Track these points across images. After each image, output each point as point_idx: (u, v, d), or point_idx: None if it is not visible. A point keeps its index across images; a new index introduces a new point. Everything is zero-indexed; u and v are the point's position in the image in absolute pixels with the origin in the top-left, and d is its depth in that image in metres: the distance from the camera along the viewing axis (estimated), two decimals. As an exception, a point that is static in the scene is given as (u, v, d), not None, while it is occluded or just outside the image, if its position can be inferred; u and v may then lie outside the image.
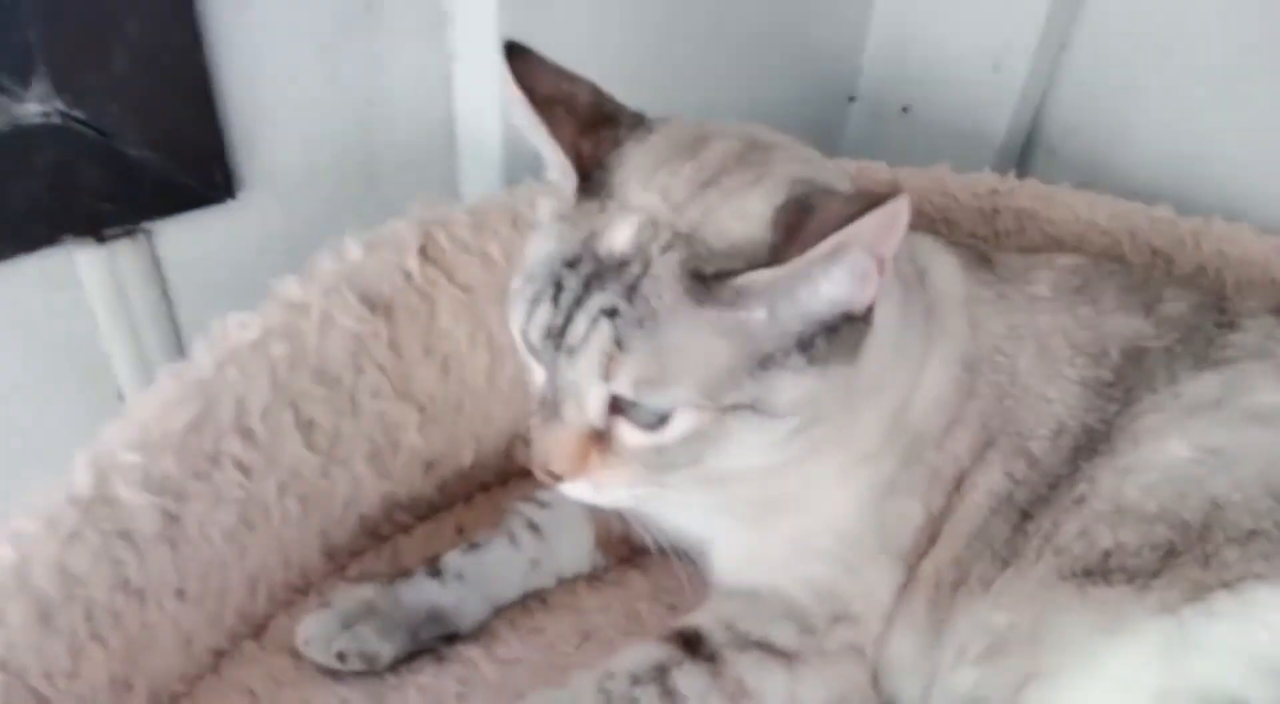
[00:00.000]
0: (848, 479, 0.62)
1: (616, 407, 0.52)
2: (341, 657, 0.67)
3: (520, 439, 0.84)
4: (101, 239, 0.71)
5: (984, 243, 0.88)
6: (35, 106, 0.64)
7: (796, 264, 0.47)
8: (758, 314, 0.50)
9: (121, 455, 0.58)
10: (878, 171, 0.87)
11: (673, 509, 0.66)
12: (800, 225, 0.48)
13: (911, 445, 0.63)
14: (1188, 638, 0.53)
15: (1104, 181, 0.98)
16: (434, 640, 0.69)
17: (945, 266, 0.64)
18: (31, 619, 0.54)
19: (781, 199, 0.51)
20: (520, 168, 0.84)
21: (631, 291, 0.50)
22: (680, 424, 0.52)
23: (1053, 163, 1.03)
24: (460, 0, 0.79)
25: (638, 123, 0.56)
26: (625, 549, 0.78)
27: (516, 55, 0.55)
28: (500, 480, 0.85)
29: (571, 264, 0.52)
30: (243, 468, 0.63)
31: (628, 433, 0.53)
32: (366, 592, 0.70)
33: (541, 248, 0.54)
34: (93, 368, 0.77)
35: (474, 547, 0.74)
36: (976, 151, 1.03)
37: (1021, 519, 0.62)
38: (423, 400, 0.74)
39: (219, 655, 0.69)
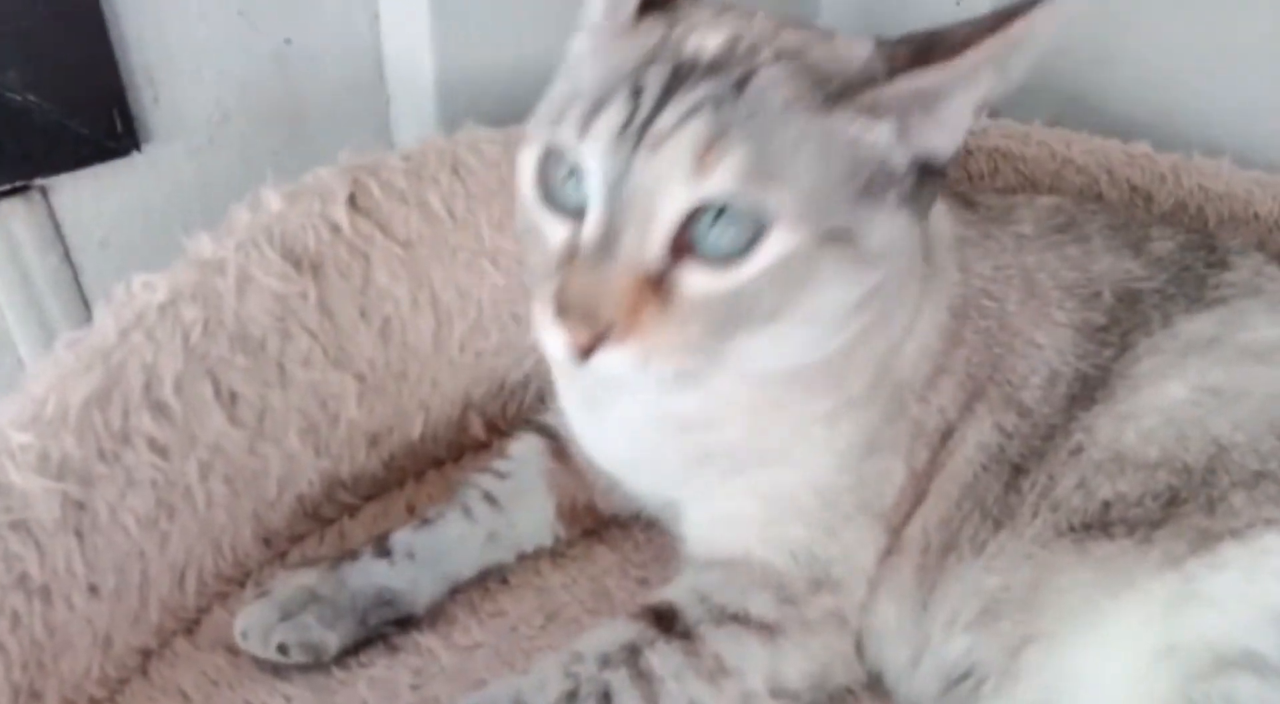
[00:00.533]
0: (834, 427, 0.58)
1: (681, 247, 0.45)
2: (283, 649, 0.61)
3: (474, 408, 0.78)
4: (-11, 198, 0.64)
5: (958, 185, 0.84)
6: (-103, 45, 0.56)
7: (965, 58, 0.44)
8: (881, 132, 0.46)
9: (13, 436, 0.51)
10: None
11: (649, 465, 0.62)
12: (933, 46, 0.45)
13: (895, 395, 0.59)
14: (1195, 592, 0.50)
15: (1079, 117, 0.95)
16: (385, 627, 0.64)
17: (935, 209, 0.59)
18: (-87, 627, 0.47)
19: (867, 47, 0.47)
20: (457, 111, 0.78)
21: (740, 86, 0.45)
22: (773, 247, 0.44)
23: (1023, 96, 0.99)
24: (385, -74, 0.72)
25: None
26: (590, 520, 0.73)
27: None
28: (454, 455, 0.80)
29: (648, 64, 0.46)
30: (157, 447, 0.57)
31: (695, 278, 0.45)
32: (308, 577, 0.64)
33: (603, 62, 0.48)
34: (-10, 342, 0.69)
35: (425, 522, 0.68)
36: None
37: (1014, 475, 0.58)
38: (361, 368, 0.68)
39: (146, 655, 0.63)
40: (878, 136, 0.46)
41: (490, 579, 0.68)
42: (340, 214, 0.63)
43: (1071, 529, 0.56)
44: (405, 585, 0.65)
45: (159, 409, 0.56)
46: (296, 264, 0.61)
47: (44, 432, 0.52)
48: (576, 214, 0.46)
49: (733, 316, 0.46)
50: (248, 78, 0.72)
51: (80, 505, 0.54)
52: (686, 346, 0.45)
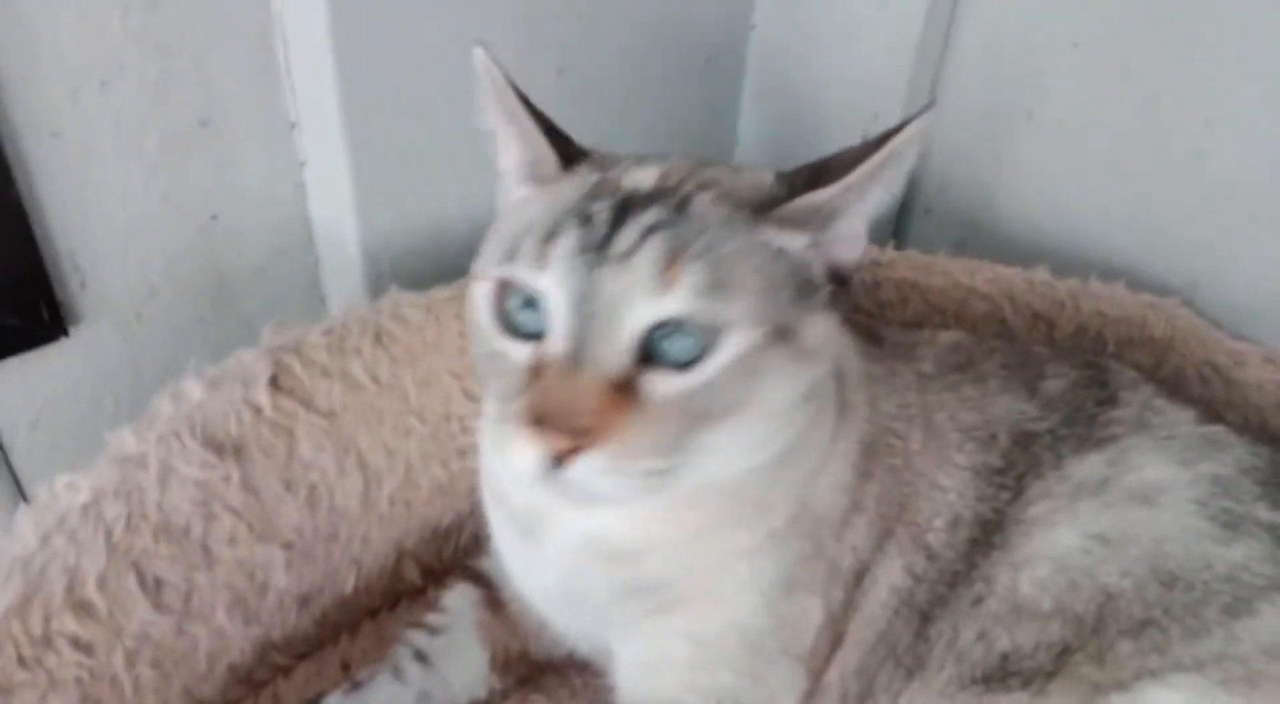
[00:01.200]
0: (756, 562, 0.58)
1: (646, 352, 0.47)
2: None
3: (408, 556, 0.80)
4: (-85, 392, 0.65)
5: (868, 316, 0.88)
6: None
7: (853, 176, 0.49)
8: (799, 242, 0.50)
9: (-69, 655, 0.52)
10: (755, 253, 0.85)
11: (579, 599, 0.62)
12: (824, 170, 0.51)
13: (812, 532, 0.60)
14: None
15: (983, 239, 0.99)
16: None
17: (845, 343, 0.63)
18: None
19: (770, 176, 0.53)
20: (382, 272, 0.81)
21: (680, 209, 0.49)
22: (730, 348, 0.47)
23: (929, 224, 1.04)
24: (304, 106, 0.76)
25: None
26: (524, 668, 0.75)
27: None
28: (389, 603, 0.81)
29: (593, 197, 0.50)
30: (81, 646, 0.58)
31: (661, 381, 0.46)
32: None
33: (539, 204, 0.52)
34: (-81, 528, 0.70)
35: (356, 685, 0.70)
36: (856, 217, 1.02)
37: (923, 624, 0.60)
38: (289, 537, 0.69)
39: None
40: (797, 246, 0.51)
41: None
42: (262, 396, 0.65)
43: (974, 681, 0.57)
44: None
45: (82, 608, 0.57)
46: (219, 450, 0.63)
47: (-37, 646, 0.52)
48: (537, 336, 0.49)
49: (697, 413, 0.47)
50: (174, 254, 0.74)
51: (0, 714, 0.55)
52: (656, 446, 0.47)
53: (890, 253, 0.89)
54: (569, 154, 0.54)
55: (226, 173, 0.75)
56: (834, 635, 0.62)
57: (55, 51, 0.63)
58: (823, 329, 0.52)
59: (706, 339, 0.47)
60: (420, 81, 0.77)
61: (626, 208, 0.48)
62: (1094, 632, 0.56)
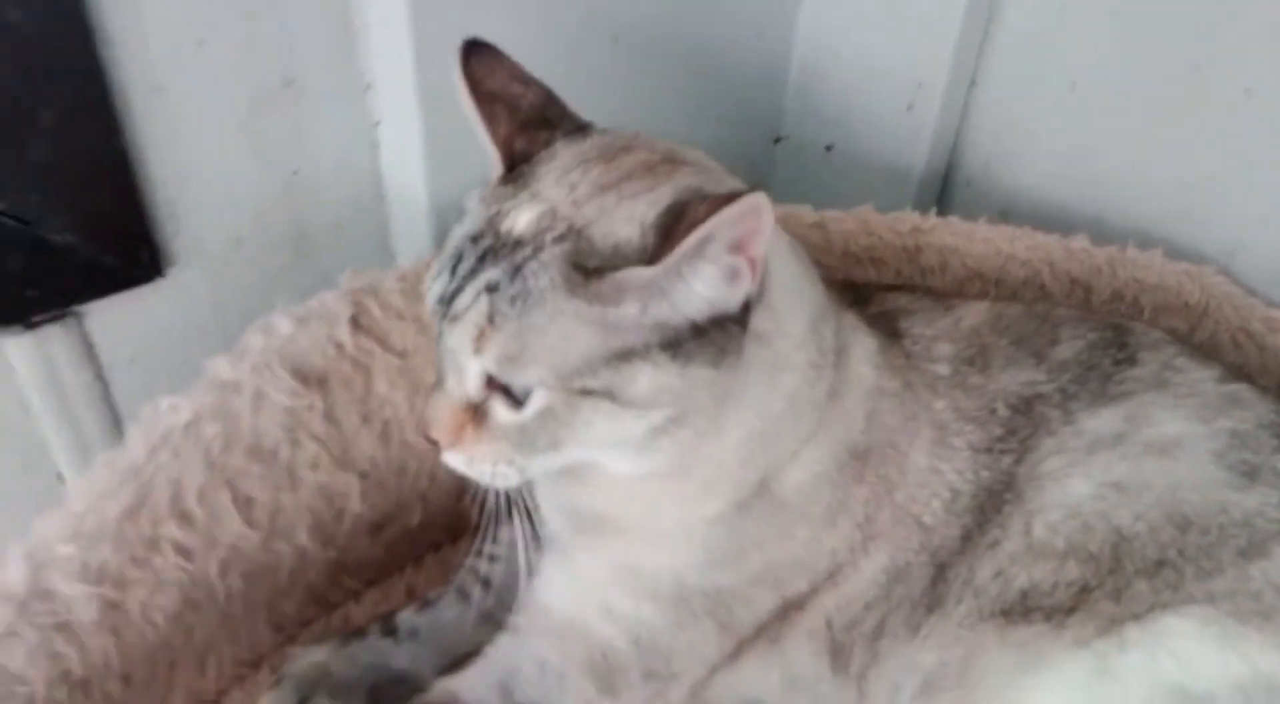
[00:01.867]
0: (713, 527, 0.60)
1: (493, 383, 0.53)
2: None
3: (468, 495, 0.84)
4: (30, 325, 0.71)
5: (909, 280, 0.91)
6: (-46, 200, 0.64)
7: (667, 263, 0.49)
8: (629, 310, 0.50)
9: (57, 548, 0.58)
10: (803, 215, 0.89)
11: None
12: (674, 228, 0.50)
13: (778, 517, 0.61)
14: (1104, 669, 0.55)
15: (1023, 210, 1.02)
16: (395, 701, 0.69)
17: (861, 350, 0.63)
18: (-32, 722, 0.54)
19: (665, 205, 0.52)
20: (449, 227, 0.85)
21: (516, 271, 0.51)
22: (535, 403, 0.52)
23: (972, 194, 1.07)
24: (379, 68, 0.81)
25: (577, 128, 0.58)
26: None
27: (476, 51, 0.57)
28: (451, 537, 0.86)
29: (475, 239, 0.53)
30: (183, 551, 0.64)
31: (498, 409, 0.54)
32: (320, 654, 0.70)
33: (457, 230, 0.56)
34: (30, 453, 0.76)
35: (426, 604, 0.75)
36: (899, 186, 1.06)
37: (939, 571, 0.62)
38: (364, 467, 0.75)
39: (169, 737, 0.69)
40: (625, 311, 0.50)
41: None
42: (344, 334, 0.70)
43: (993, 614, 0.60)
44: (409, 664, 0.71)
45: (184, 518, 0.63)
46: (304, 381, 0.68)
47: (84, 543, 0.58)
48: None
49: (526, 441, 0.54)
50: (259, 206, 0.79)
51: (115, 606, 0.60)
52: (497, 456, 0.55)
53: (932, 219, 0.92)
54: (533, 150, 0.56)
55: (307, 130, 0.80)
56: (801, 605, 0.64)
57: (158, 9, 0.68)
58: (654, 385, 0.52)
59: (523, 391, 0.53)
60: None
61: (486, 256, 0.52)
62: (1110, 572, 0.58)
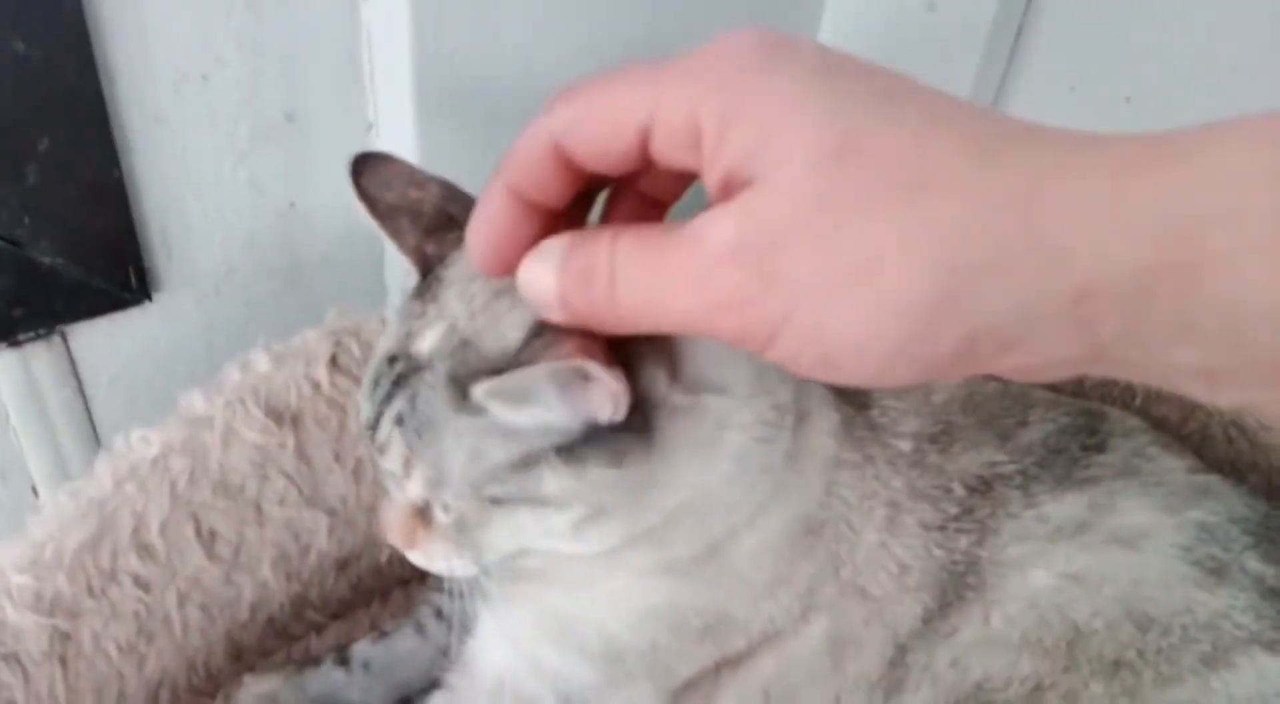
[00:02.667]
0: (641, 582, 0.59)
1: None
2: None
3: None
4: (15, 343, 0.72)
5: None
6: (-54, 221, 0.65)
7: (495, 385, 0.46)
8: (506, 417, 0.48)
9: (12, 577, 0.58)
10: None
11: None
12: (530, 342, 0.46)
13: (722, 581, 0.59)
14: None
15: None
16: None
17: (825, 421, 0.61)
18: (-93, 749, 0.54)
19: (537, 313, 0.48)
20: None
21: (414, 399, 0.49)
22: (452, 512, 0.53)
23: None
24: (383, 109, 0.81)
25: None
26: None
27: (367, 163, 0.56)
28: (419, 574, 0.85)
29: (390, 361, 0.52)
30: (141, 583, 0.64)
31: (438, 513, 0.54)
32: (270, 684, 0.71)
33: (381, 343, 0.55)
34: (7, 464, 0.77)
35: (383, 635, 0.75)
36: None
37: (899, 652, 0.61)
38: (334, 504, 0.75)
39: (117, 764, 0.70)
40: (503, 419, 0.48)
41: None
42: (321, 374, 0.70)
43: None
44: (359, 696, 0.72)
45: (145, 550, 0.64)
46: (278, 418, 0.69)
47: (40, 573, 0.59)
48: None
49: (465, 542, 0.54)
50: (253, 235, 0.80)
51: (66, 636, 0.61)
52: (446, 554, 0.55)
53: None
54: (444, 252, 0.54)
55: (306, 165, 0.81)
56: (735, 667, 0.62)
57: (164, 45, 0.69)
58: (558, 488, 0.50)
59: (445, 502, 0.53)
60: (492, 101, 0.82)
61: (399, 381, 0.50)
62: (1065, 670, 0.57)
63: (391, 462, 0.52)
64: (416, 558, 0.56)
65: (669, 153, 0.35)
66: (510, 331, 0.48)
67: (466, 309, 0.50)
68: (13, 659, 0.58)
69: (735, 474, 0.56)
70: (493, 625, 0.63)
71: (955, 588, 0.60)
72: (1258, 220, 0.27)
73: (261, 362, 0.68)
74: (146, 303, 0.76)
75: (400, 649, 0.73)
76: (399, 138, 0.82)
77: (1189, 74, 0.86)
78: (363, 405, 0.53)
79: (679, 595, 0.59)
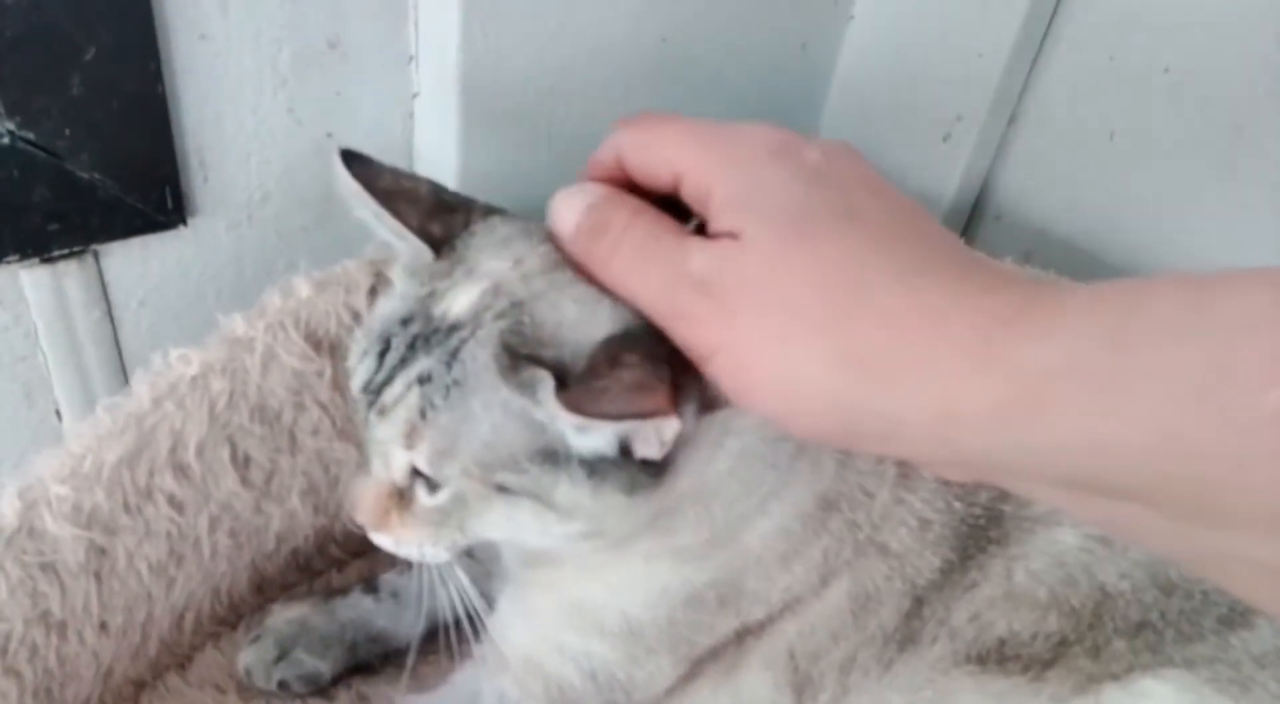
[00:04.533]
0: (651, 565, 0.59)
1: (418, 471, 0.51)
2: (284, 684, 0.68)
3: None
4: (48, 259, 0.70)
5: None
6: (-12, 127, 0.64)
7: (564, 416, 0.45)
8: (544, 414, 0.46)
9: (51, 487, 0.57)
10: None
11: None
12: (598, 375, 0.45)
13: (734, 562, 0.59)
14: None
15: (1048, 251, 1.02)
16: (372, 658, 0.70)
17: None
18: (-55, 651, 0.54)
19: (621, 326, 0.46)
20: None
21: (452, 357, 0.47)
22: (449, 490, 0.51)
23: (999, 230, 1.06)
24: (425, 42, 0.80)
25: (490, 211, 0.55)
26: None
27: (354, 161, 0.54)
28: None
29: (405, 322, 0.50)
30: (175, 503, 0.63)
31: (420, 493, 0.52)
32: (302, 609, 0.72)
33: (384, 305, 0.54)
34: (33, 384, 0.76)
35: (409, 566, 0.75)
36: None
37: (916, 605, 0.61)
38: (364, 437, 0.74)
39: (139, 688, 0.69)
40: (542, 416, 0.46)
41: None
42: (361, 302, 0.70)
43: (968, 659, 0.59)
44: (388, 623, 0.71)
45: (181, 470, 0.63)
46: (317, 345, 0.68)
47: (79, 485, 0.58)
48: None
49: (448, 525, 0.53)
50: (289, 164, 0.79)
51: (102, 551, 0.60)
52: (420, 538, 0.54)
53: (958, 252, 0.91)
54: (451, 232, 0.53)
55: (345, 95, 0.79)
56: (760, 632, 0.62)
57: (212, -41, 0.68)
58: (571, 499, 0.49)
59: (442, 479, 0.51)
60: (538, 32, 0.81)
61: (417, 344, 0.49)
62: (1090, 627, 0.58)
63: (392, 428, 0.49)
64: (382, 540, 0.54)
65: (689, 199, 0.45)
66: (571, 308, 0.47)
67: (516, 271, 0.49)
68: (50, 569, 0.57)
69: (738, 470, 0.56)
70: (513, 608, 0.64)
71: (977, 541, 0.61)
72: (1088, 377, 0.33)
73: (303, 288, 0.68)
74: (181, 227, 0.75)
75: (426, 580, 0.73)
76: (440, 74, 0.81)
77: (1229, 45, 0.86)
78: (362, 366, 0.51)
79: (691, 575, 0.59)
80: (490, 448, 0.48)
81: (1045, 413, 0.33)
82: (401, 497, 0.53)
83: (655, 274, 0.43)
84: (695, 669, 0.63)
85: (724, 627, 0.62)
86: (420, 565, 0.57)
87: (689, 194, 0.44)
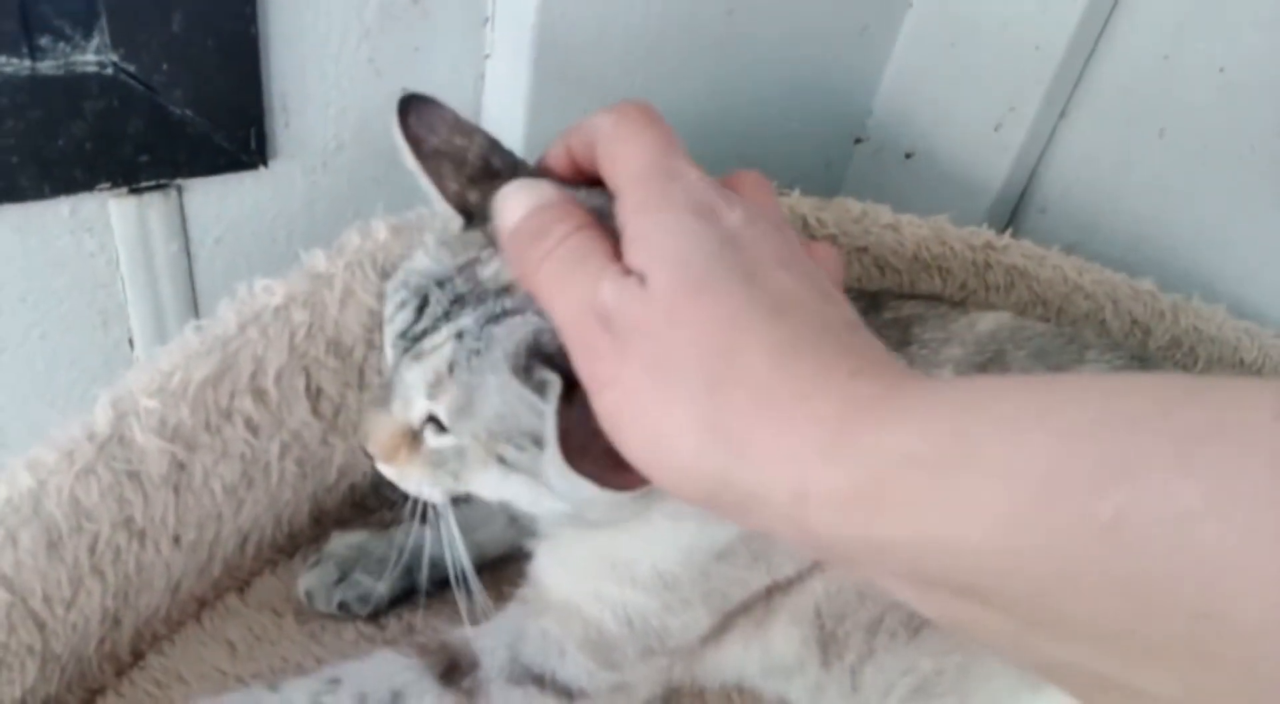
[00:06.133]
0: (679, 523, 0.60)
1: (433, 417, 0.53)
2: (343, 606, 0.71)
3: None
4: (136, 189, 0.73)
5: (975, 295, 0.93)
6: (92, 57, 0.66)
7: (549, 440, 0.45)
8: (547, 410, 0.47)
9: (141, 400, 0.60)
10: (881, 215, 0.90)
11: None
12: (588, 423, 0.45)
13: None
14: None
15: (1091, 246, 1.04)
16: (429, 584, 0.72)
17: None
18: (40, 545, 0.56)
19: None
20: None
21: (488, 321, 0.49)
22: (455, 440, 0.52)
23: (1043, 222, 1.08)
24: (501, 5, 0.82)
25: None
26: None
27: (413, 105, 0.55)
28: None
29: (441, 283, 0.51)
30: (251, 426, 0.66)
31: (430, 434, 0.53)
32: (360, 536, 0.75)
33: (419, 262, 0.54)
34: (110, 312, 0.79)
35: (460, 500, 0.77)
36: (973, 203, 1.07)
37: None
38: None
39: (202, 605, 0.72)
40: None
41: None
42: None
43: None
44: (442, 551, 0.74)
45: (259, 394, 0.65)
46: (390, 285, 0.70)
47: (166, 400, 0.60)
48: None
49: (446, 470, 0.54)
50: (365, 115, 0.81)
51: (182, 466, 0.63)
52: (422, 478, 0.56)
53: (1006, 239, 0.93)
54: (486, 203, 0.52)
55: (423, 51, 0.82)
56: (784, 589, 0.64)
57: (307, -93, 0.70)
58: (569, 486, 0.49)
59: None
60: (609, 1, 0.83)
61: (458, 301, 0.50)
62: None
63: (422, 374, 0.51)
64: (389, 472, 0.57)
65: (616, 215, 0.45)
66: None
67: None
68: (136, 477, 0.60)
69: None
70: (551, 557, 0.65)
71: None
72: (930, 472, 0.32)
73: (381, 230, 0.70)
74: (261, 168, 0.78)
75: (476, 515, 0.75)
76: (513, 36, 0.83)
77: (1287, 50, 0.88)
78: (400, 315, 0.52)
79: (718, 533, 0.61)
80: (500, 419, 0.50)
81: (888, 503, 0.33)
82: (414, 437, 0.54)
83: (572, 295, 0.42)
84: (727, 621, 0.65)
85: (756, 582, 0.64)
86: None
87: (617, 212, 0.44)
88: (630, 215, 0.43)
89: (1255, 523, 0.26)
